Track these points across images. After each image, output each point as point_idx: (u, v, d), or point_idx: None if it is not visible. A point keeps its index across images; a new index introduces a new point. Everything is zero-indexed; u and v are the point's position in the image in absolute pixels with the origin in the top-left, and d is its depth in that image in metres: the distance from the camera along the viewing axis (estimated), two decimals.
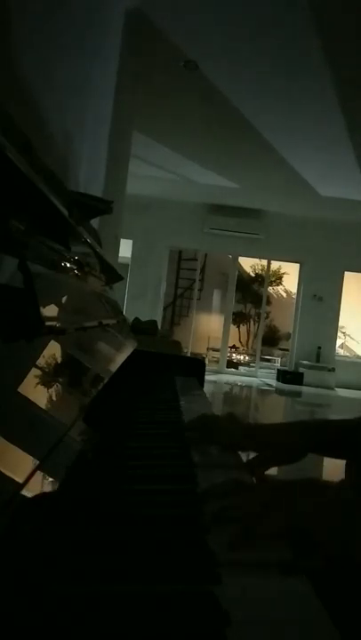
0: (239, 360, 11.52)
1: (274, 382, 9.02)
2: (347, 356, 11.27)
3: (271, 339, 12.72)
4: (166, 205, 8.51)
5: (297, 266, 9.40)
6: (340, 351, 11.30)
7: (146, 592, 0.34)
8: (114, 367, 0.93)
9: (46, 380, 0.51)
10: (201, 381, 1.55)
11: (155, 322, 5.47)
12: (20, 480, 0.36)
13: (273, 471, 0.78)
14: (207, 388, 1.53)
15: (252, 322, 13.29)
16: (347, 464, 0.73)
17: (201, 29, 3.60)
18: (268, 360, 11.87)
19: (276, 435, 0.75)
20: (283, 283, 13.27)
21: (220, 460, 0.69)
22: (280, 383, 8.82)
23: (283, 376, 8.97)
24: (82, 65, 2.33)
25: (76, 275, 0.90)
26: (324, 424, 0.80)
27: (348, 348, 12.29)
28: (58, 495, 0.42)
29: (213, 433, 0.75)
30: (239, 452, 0.73)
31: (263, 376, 9.72)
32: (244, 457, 0.73)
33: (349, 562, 0.46)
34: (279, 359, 11.78)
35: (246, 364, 11.20)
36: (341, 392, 8.46)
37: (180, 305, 12.33)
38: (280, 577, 0.38)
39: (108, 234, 3.19)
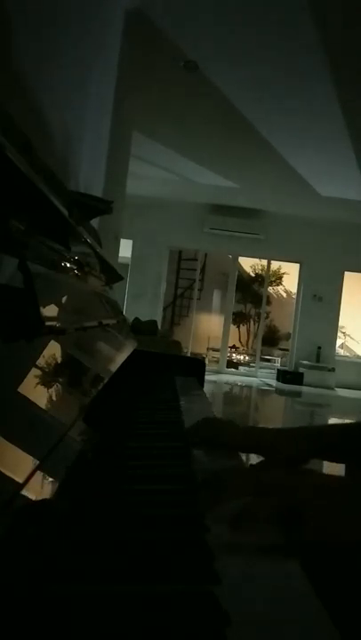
0: (239, 360, 11.52)
1: (274, 382, 9.02)
2: (347, 356, 11.27)
3: (271, 339, 12.72)
4: (166, 205, 8.51)
5: (297, 266, 9.40)
6: (341, 351, 11.31)
7: (146, 592, 0.34)
8: (114, 367, 0.93)
9: (46, 380, 0.51)
10: (201, 381, 1.55)
11: (155, 322, 5.47)
12: (20, 480, 0.36)
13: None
14: (207, 388, 1.54)
15: (252, 322, 13.29)
16: (347, 467, 0.73)
17: (201, 29, 3.60)
18: (268, 360, 11.87)
19: (280, 440, 0.74)
20: (283, 283, 13.27)
21: (221, 460, 0.69)
22: (280, 383, 8.82)
23: (283, 376, 8.97)
24: (82, 65, 2.33)
25: (76, 275, 0.90)
26: (325, 429, 0.80)
27: (348, 348, 12.30)
28: (58, 495, 0.42)
29: (215, 436, 0.74)
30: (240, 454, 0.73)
31: (263, 376, 9.72)
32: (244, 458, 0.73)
33: (339, 541, 0.47)
34: (279, 359, 11.78)
35: (246, 364, 11.21)
36: (341, 392, 8.46)
37: (180, 305, 12.33)
38: (278, 572, 0.38)
39: (108, 234, 3.19)
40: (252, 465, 0.72)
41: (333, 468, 0.76)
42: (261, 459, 0.74)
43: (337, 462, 0.75)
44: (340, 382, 8.72)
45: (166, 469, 0.62)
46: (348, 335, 12.40)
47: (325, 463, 0.78)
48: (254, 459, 0.75)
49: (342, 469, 0.73)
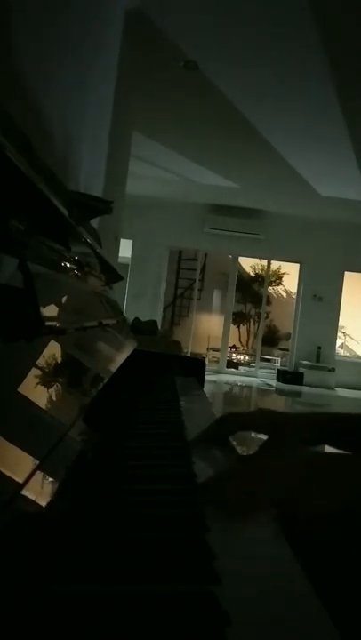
0: (239, 360, 11.52)
1: (274, 382, 9.02)
2: (347, 356, 11.27)
3: (271, 339, 12.72)
4: (166, 205, 8.51)
5: (297, 266, 9.40)
6: (341, 351, 11.31)
7: (146, 592, 0.34)
8: (114, 367, 0.93)
9: (46, 380, 0.51)
10: (201, 381, 1.54)
11: (155, 322, 5.47)
12: (20, 480, 0.36)
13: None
14: (207, 388, 1.54)
15: (252, 322, 13.29)
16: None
17: (201, 29, 3.60)
18: (268, 360, 11.87)
19: (289, 425, 0.76)
20: (283, 283, 13.27)
21: (220, 459, 0.69)
22: (280, 383, 8.82)
23: (283, 376, 8.97)
24: (82, 65, 2.33)
25: (76, 275, 0.90)
26: (332, 417, 0.81)
27: (348, 348, 12.30)
28: (58, 495, 0.42)
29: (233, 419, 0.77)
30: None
31: (263, 376, 9.72)
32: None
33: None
34: (279, 359, 11.78)
35: (246, 364, 11.20)
36: (341, 392, 8.46)
37: (180, 305, 12.33)
38: (278, 572, 0.38)
39: (108, 234, 3.19)
40: (252, 453, 0.74)
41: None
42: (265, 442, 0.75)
43: (341, 449, 0.75)
44: (340, 382, 8.72)
45: (166, 469, 0.62)
46: (348, 335, 12.40)
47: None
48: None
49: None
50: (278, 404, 7.47)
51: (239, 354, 12.16)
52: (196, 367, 1.58)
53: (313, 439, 0.74)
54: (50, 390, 0.51)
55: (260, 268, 12.53)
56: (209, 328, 11.85)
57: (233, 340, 11.48)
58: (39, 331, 0.51)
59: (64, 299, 0.72)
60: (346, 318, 10.50)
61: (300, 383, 8.65)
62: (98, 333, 0.92)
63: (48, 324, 0.53)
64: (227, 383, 8.50)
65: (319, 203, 7.56)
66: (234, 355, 11.53)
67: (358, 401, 7.92)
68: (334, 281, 8.95)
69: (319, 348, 8.94)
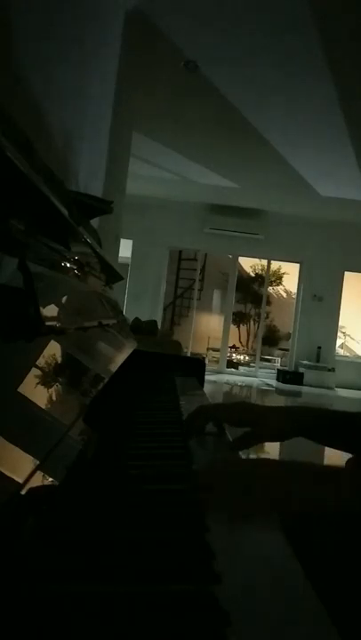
0: (239, 360, 11.51)
1: (274, 382, 9.02)
2: (347, 356, 11.26)
3: (271, 339, 12.72)
4: (166, 205, 8.50)
5: (297, 266, 9.40)
6: (341, 351, 11.30)
7: (146, 592, 0.34)
8: (114, 367, 0.93)
9: (46, 380, 0.51)
10: (201, 381, 1.55)
11: (155, 322, 5.46)
12: (20, 480, 0.36)
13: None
14: (207, 388, 1.54)
15: (252, 322, 13.28)
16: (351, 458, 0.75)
17: (201, 29, 3.60)
18: (268, 360, 11.86)
19: (267, 417, 0.78)
20: (283, 283, 13.26)
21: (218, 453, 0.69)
22: (280, 383, 8.82)
23: (283, 376, 8.97)
24: (82, 65, 2.32)
25: (76, 275, 0.90)
26: (317, 411, 0.83)
27: (348, 348, 12.29)
28: (58, 495, 0.42)
29: (211, 411, 0.80)
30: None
31: (263, 376, 9.72)
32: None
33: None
34: (279, 359, 11.77)
35: (246, 364, 11.20)
36: (341, 392, 8.46)
37: (180, 305, 12.32)
38: (278, 572, 0.38)
39: (108, 234, 3.19)
40: (234, 439, 0.76)
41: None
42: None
43: (337, 448, 0.77)
44: (340, 382, 8.71)
45: (166, 469, 0.62)
46: (348, 335, 12.39)
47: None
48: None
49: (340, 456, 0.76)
50: (278, 404, 7.47)
51: (239, 354, 12.15)
52: (195, 367, 1.59)
53: (289, 432, 0.76)
54: (50, 390, 0.51)
55: (260, 268, 12.52)
56: (209, 328, 11.85)
57: (233, 339, 11.47)
58: (39, 331, 0.51)
59: (64, 299, 0.72)
60: (346, 318, 10.50)
61: (300, 383, 8.64)
62: (98, 333, 0.92)
63: (48, 323, 0.53)
64: (227, 383, 8.50)
65: (319, 203, 7.55)
66: (234, 355, 11.53)
67: (358, 401, 7.92)
68: (334, 281, 8.95)
69: (319, 347, 8.94)
